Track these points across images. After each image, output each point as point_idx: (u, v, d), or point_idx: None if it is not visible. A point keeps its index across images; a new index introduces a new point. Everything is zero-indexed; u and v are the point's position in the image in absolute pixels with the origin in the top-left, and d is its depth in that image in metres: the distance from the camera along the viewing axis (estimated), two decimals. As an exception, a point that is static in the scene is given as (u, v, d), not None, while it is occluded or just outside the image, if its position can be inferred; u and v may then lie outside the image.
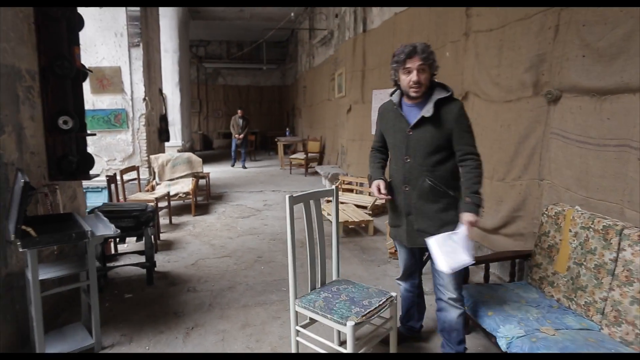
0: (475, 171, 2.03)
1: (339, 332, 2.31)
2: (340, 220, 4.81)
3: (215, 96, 16.82)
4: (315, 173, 9.38)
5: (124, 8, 5.78)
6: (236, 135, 10.42)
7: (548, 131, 2.92)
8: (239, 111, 10.53)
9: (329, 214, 5.18)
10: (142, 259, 3.36)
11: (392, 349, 2.18)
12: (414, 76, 1.97)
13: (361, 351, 1.99)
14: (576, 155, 2.69)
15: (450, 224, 2.06)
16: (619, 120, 2.39)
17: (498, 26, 3.33)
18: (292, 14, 10.23)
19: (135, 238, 3.28)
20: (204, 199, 6.71)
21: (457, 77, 3.96)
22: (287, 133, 13.36)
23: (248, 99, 16.89)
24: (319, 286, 2.27)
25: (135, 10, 5.88)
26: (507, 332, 1.99)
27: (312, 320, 2.18)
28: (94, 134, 3.70)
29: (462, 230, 1.99)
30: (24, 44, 2.53)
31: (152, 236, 3.33)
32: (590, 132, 2.58)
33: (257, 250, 4.28)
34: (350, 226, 4.98)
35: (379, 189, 2.17)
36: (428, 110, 2.01)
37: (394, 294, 2.16)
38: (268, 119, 17.34)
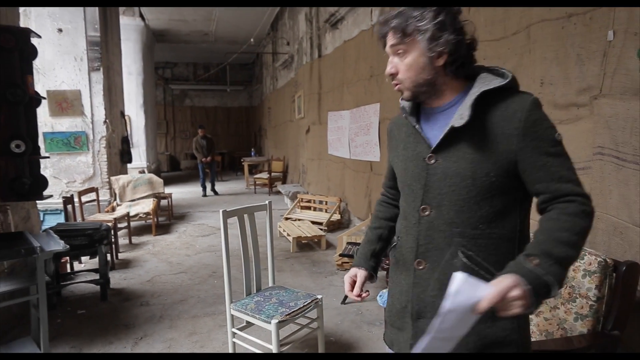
0: (576, 220, 0.96)
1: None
2: (294, 236, 5.08)
3: (182, 117, 16.92)
4: (279, 192, 9.63)
5: (83, 33, 5.96)
6: (202, 159, 9.29)
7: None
8: (200, 131, 9.42)
9: (284, 231, 5.44)
10: (97, 277, 3.49)
11: (320, 348, 2.43)
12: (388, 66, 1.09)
13: (284, 350, 2.24)
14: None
15: (498, 344, 1.06)
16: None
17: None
18: (252, 40, 10.66)
19: (90, 257, 3.41)
20: (167, 219, 6.81)
21: (395, 101, 4.38)
22: (252, 153, 13.60)
23: (215, 120, 17.08)
24: (254, 292, 2.51)
25: (95, 35, 6.07)
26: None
27: (249, 324, 2.41)
28: (48, 157, 3.83)
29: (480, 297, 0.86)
30: (-21, 74, 2.71)
31: (107, 254, 3.47)
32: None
33: (213, 266, 4.46)
34: (303, 241, 5.24)
35: (351, 286, 1.29)
36: (462, 116, 1.01)
37: (319, 296, 2.43)
38: (236, 140, 17.55)
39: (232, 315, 2.36)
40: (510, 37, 2.76)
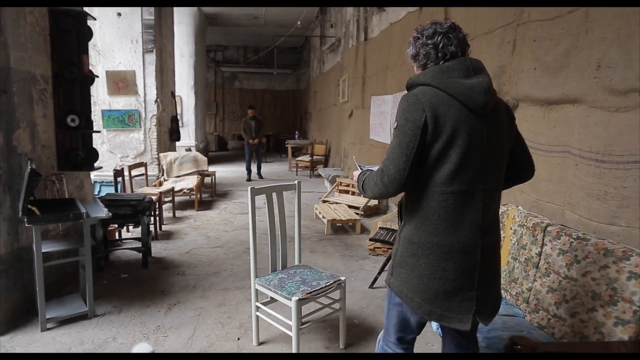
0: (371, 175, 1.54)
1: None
2: (329, 218, 5.11)
3: (231, 99, 17.39)
4: (319, 175, 9.69)
5: (139, 17, 6.26)
6: (250, 141, 8.80)
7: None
8: (250, 111, 8.91)
9: (320, 213, 5.48)
10: (140, 244, 3.74)
11: (342, 330, 2.45)
12: None
13: (305, 327, 2.28)
14: (528, 160, 2.90)
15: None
16: (562, 128, 2.62)
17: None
18: (299, 23, 10.61)
19: (134, 226, 3.66)
20: (209, 196, 7.11)
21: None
22: (296, 136, 13.73)
23: (263, 102, 17.37)
24: (279, 269, 2.57)
25: (150, 18, 6.36)
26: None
27: (272, 299, 2.48)
28: (98, 132, 4.10)
29: None
30: (40, 53, 2.95)
31: (149, 225, 3.70)
32: (540, 139, 2.80)
33: (248, 242, 4.58)
34: (338, 224, 5.25)
35: None
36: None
37: (343, 278, 2.44)
38: (282, 123, 17.78)
39: (256, 290, 2.44)
40: (565, 16, 2.54)
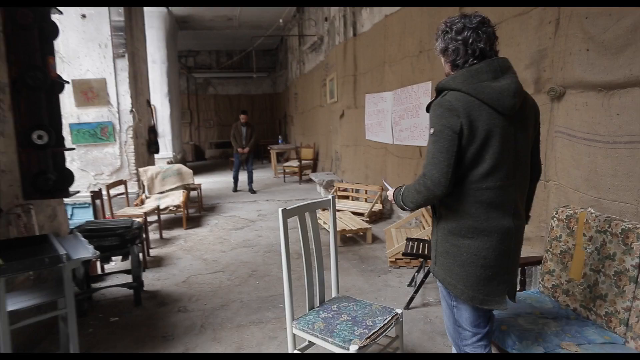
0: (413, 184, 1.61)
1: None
2: (338, 229, 4.66)
3: (206, 106, 16.65)
4: (310, 180, 9.22)
5: (107, 18, 5.62)
6: (239, 149, 7.97)
7: (552, 130, 2.79)
8: (242, 116, 7.98)
9: (325, 223, 5.01)
10: (130, 278, 3.16)
11: (400, 370, 2.00)
12: None
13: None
14: (584, 154, 2.56)
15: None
16: (629, 116, 2.26)
17: (494, 23, 3.21)
18: (281, 21, 10.11)
19: (122, 259, 3.08)
20: (196, 211, 6.51)
21: (453, 77, 3.83)
22: (279, 141, 13.22)
23: (239, 108, 16.71)
24: (318, 305, 2.09)
25: (120, 20, 5.73)
26: (525, 349, 1.82)
27: (311, 343, 2.00)
28: (73, 149, 3.50)
29: None
30: (-8, 54, 2.36)
31: (140, 254, 3.13)
32: (599, 129, 2.45)
33: (252, 263, 4.09)
34: (347, 235, 4.80)
35: None
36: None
37: (399, 310, 1.99)
38: (260, 128, 17.13)
39: (293, 335, 1.95)
40: (626, -14, 2.19)
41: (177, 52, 12.42)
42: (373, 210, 5.58)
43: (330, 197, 2.20)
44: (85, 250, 2.02)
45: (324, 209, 5.87)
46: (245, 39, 13.15)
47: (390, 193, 1.74)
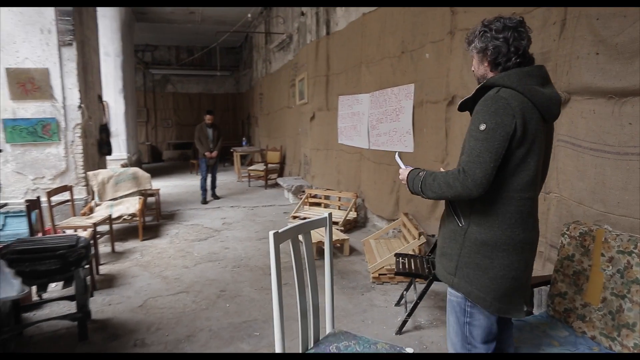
0: (447, 174, 1.63)
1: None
2: (314, 241, 4.30)
3: (164, 104, 15.73)
4: (276, 185, 8.81)
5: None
6: (206, 153, 7.16)
7: (554, 138, 2.59)
8: (208, 117, 7.22)
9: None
10: (74, 307, 2.63)
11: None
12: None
13: None
14: (590, 165, 2.38)
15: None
16: (642, 125, 2.10)
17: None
18: (249, 15, 9.61)
19: (64, 285, 2.55)
20: (154, 219, 5.92)
21: (440, 79, 3.61)
22: (243, 143, 12.68)
23: (200, 107, 15.94)
24: (312, 344, 1.73)
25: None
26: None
27: (305, 392, 1.64)
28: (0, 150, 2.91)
29: None
30: None
31: (85, 279, 2.61)
32: (608, 139, 2.28)
33: (219, 281, 3.65)
34: (324, 247, 4.45)
35: None
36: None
37: (410, 350, 1.68)
38: (222, 129, 16.40)
39: (284, 387, 1.58)
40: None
41: (134, 45, 11.57)
42: (347, 218, 5.28)
43: (326, 215, 1.85)
44: (9, 286, 1.53)
45: (294, 217, 5.50)
46: (207, 35, 12.51)
47: (402, 172, 1.63)
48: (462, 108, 1.61)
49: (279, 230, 1.54)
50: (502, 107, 1.35)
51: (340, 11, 6.02)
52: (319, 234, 4.47)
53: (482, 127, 1.36)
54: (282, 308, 1.56)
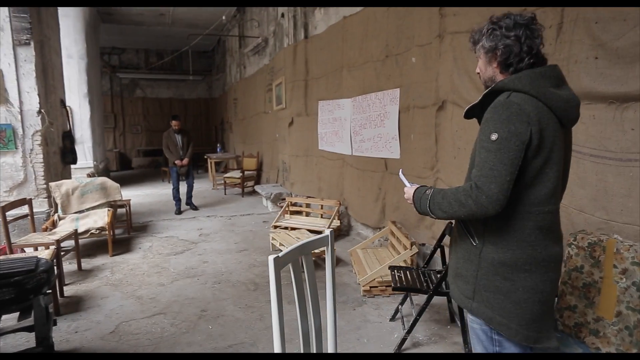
0: (458, 190, 1.54)
1: None
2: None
3: (133, 110, 15.10)
4: (254, 193, 8.53)
5: (7, -3, 4.54)
6: (177, 162, 6.69)
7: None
8: (174, 122, 6.70)
9: (280, 244, 4.41)
10: (32, 340, 2.31)
11: None
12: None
13: None
14: (590, 171, 2.32)
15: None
16: (645, 131, 2.04)
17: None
18: (224, 18, 9.33)
19: (19, 316, 2.22)
20: (125, 232, 5.53)
21: (429, 84, 3.51)
22: (218, 149, 12.31)
23: (171, 113, 15.40)
24: (316, 380, 1.54)
25: None
26: None
27: None
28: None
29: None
30: None
31: (47, 307, 2.29)
32: (609, 145, 2.22)
33: (199, 300, 3.38)
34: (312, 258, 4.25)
35: None
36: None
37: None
38: (194, 135, 15.94)
39: None
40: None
41: (99, 48, 11.02)
42: (330, 227, 5.10)
43: (327, 232, 1.67)
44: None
45: (275, 226, 5.28)
46: (178, 38, 12.10)
47: (408, 191, 1.51)
48: (468, 115, 1.48)
49: (279, 255, 1.34)
50: (514, 113, 1.23)
51: (319, 14, 5.88)
52: (296, 241, 4.27)
53: (494, 136, 1.24)
54: (284, 339, 1.36)
